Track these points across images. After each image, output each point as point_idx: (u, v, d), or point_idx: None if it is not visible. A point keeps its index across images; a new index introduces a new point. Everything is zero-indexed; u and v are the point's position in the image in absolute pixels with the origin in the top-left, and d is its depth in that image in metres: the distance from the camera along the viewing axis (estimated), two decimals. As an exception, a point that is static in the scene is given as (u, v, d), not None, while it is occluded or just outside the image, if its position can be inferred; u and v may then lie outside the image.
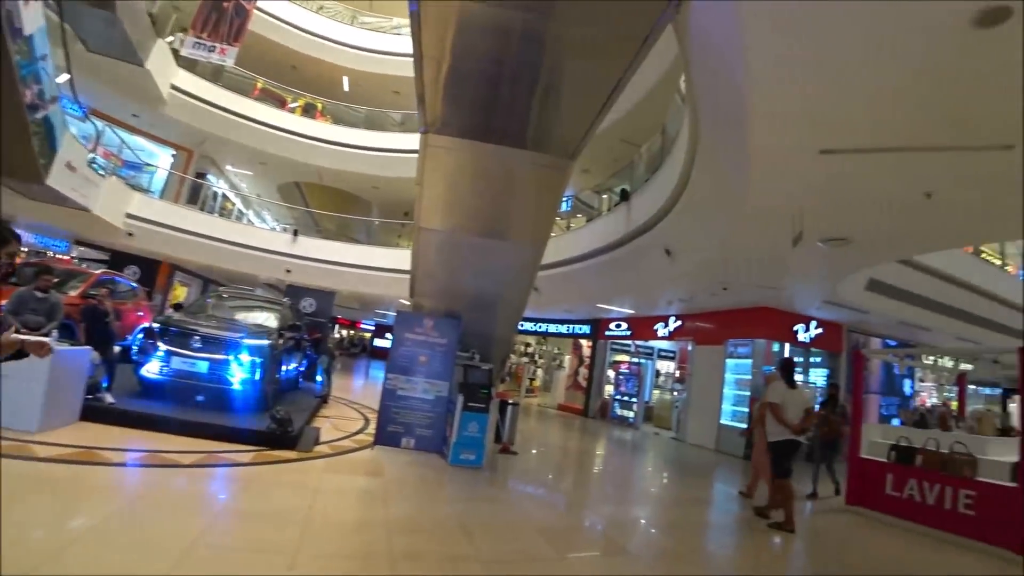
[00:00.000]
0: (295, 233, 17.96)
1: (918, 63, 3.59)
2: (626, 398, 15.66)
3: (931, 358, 11.26)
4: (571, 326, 19.03)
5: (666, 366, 18.82)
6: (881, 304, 10.93)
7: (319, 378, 11.81)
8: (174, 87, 15.10)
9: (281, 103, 19.00)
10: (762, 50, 3.87)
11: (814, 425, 7.45)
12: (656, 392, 17.83)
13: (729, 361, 12.42)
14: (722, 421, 12.13)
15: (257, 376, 7.67)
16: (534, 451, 9.82)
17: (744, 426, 11.48)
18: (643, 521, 6.13)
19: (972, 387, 18.26)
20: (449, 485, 6.30)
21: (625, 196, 11.09)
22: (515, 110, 5.91)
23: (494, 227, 7.19)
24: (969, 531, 6.15)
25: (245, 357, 7.59)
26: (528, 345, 25.50)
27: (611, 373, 17.14)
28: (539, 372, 24.20)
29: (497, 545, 4.45)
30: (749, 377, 11.74)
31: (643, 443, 12.94)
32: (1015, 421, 11.76)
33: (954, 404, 16.82)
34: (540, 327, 20.24)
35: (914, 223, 6.05)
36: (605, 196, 14.78)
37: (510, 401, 9.60)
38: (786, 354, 12.36)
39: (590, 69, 5.03)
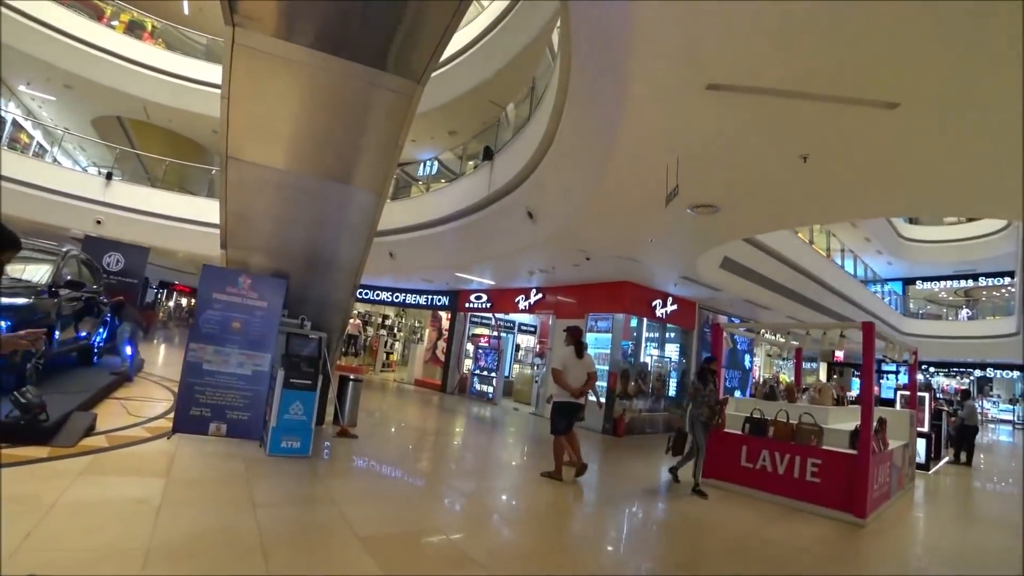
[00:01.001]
0: (109, 177, 14.87)
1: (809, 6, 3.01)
2: (485, 373, 15.01)
3: (776, 333, 11.86)
4: (430, 297, 17.96)
5: (527, 340, 18.51)
6: (732, 282, 11.23)
7: (128, 351, 9.72)
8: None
9: (98, 15, 15.57)
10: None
11: (698, 404, 6.75)
12: (516, 367, 17.45)
13: (589, 335, 12.14)
14: (581, 396, 11.88)
15: (5, 346, 5.68)
16: (380, 433, 8.70)
17: (603, 400, 11.32)
18: (494, 515, 5.33)
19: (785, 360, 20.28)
20: (260, 483, 5.01)
21: (489, 154, 10.20)
22: (361, 16, 4.68)
23: (330, 164, 5.90)
24: (816, 498, 6.19)
25: (-12, 321, 5.60)
26: (387, 317, 24.04)
27: (470, 347, 16.40)
28: (397, 345, 22.91)
29: (304, 568, 3.33)
30: (608, 351, 11.54)
31: (502, 419, 12.35)
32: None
33: (783, 376, 18.46)
34: (398, 297, 18.91)
35: (784, 192, 5.78)
36: (471, 163, 13.85)
37: (351, 377, 8.39)
38: (644, 329, 12.41)
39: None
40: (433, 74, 15.32)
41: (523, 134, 8.67)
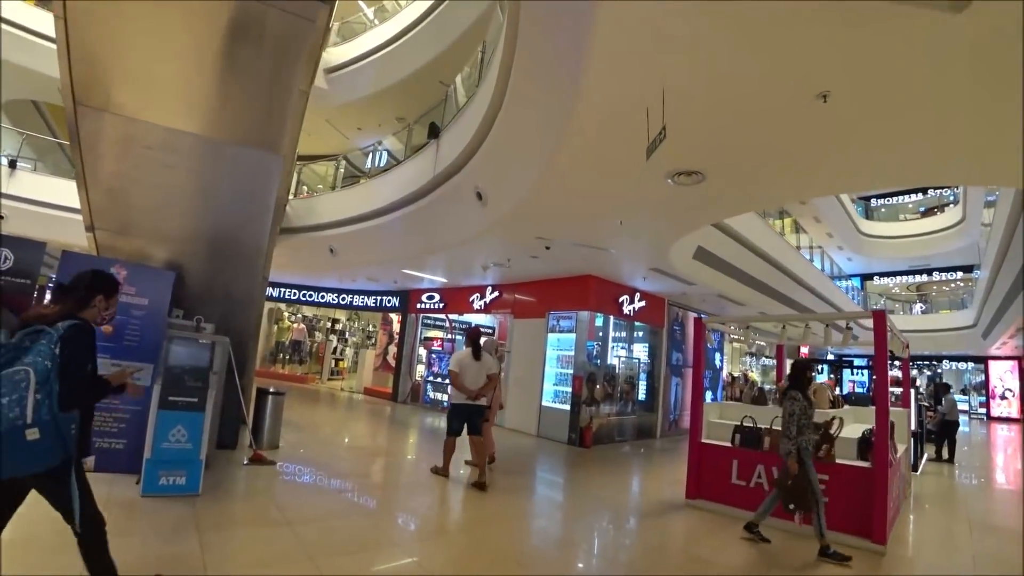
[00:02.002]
0: (12, 165, 13.01)
1: None
2: (439, 379, 13.73)
3: (742, 327, 10.90)
4: (379, 298, 16.59)
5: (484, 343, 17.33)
6: (705, 275, 10.32)
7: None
8: None
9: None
10: None
11: (803, 427, 4.83)
12: (474, 372, 16.23)
13: (551, 336, 11.06)
14: (544, 403, 10.73)
15: None
16: (307, 457, 7.33)
17: (568, 407, 10.21)
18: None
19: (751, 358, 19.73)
20: (114, 540, 3.64)
21: (435, 132, 8.97)
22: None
23: (218, 116, 4.58)
24: (827, 521, 5.17)
25: None
26: (336, 321, 22.42)
27: (423, 351, 15.10)
28: (348, 352, 21.34)
29: None
30: (572, 353, 10.45)
31: (456, 431, 11.13)
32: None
33: (752, 375, 17.79)
34: (345, 299, 17.48)
35: (793, 148, 4.71)
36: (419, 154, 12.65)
37: (270, 390, 7.06)
38: (611, 327, 11.40)
39: None
40: (380, 53, 14.07)
41: (472, 103, 7.49)
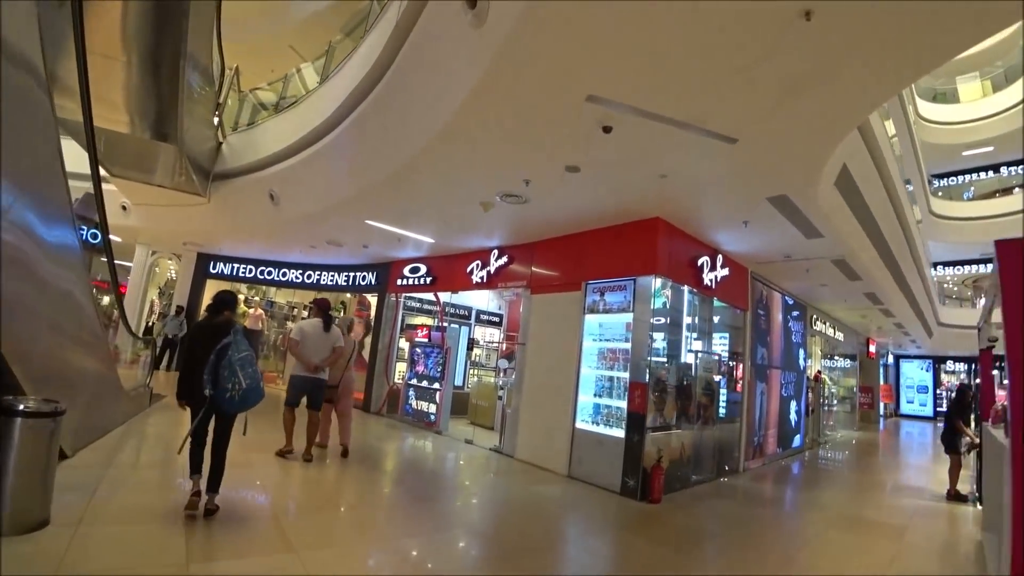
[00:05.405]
0: None
1: None
2: (425, 383, 9.89)
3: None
4: (352, 274, 12.80)
5: (489, 333, 13.50)
6: (839, 217, 6.47)
7: None
8: None
9: None
10: None
11: None
12: (477, 373, 12.45)
13: (590, 319, 7.16)
14: (579, 424, 6.86)
15: None
16: (94, 532, 3.44)
17: (620, 433, 6.30)
18: None
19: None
20: None
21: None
22: None
23: None
24: None
25: None
26: (307, 307, 18.62)
27: (404, 344, 11.29)
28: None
29: None
30: (628, 344, 6.56)
31: (443, 467, 7.30)
32: None
33: (826, 378, 13.81)
34: (311, 276, 13.72)
35: None
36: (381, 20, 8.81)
37: (22, 407, 3.24)
38: (685, 306, 7.51)
39: None
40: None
41: None
